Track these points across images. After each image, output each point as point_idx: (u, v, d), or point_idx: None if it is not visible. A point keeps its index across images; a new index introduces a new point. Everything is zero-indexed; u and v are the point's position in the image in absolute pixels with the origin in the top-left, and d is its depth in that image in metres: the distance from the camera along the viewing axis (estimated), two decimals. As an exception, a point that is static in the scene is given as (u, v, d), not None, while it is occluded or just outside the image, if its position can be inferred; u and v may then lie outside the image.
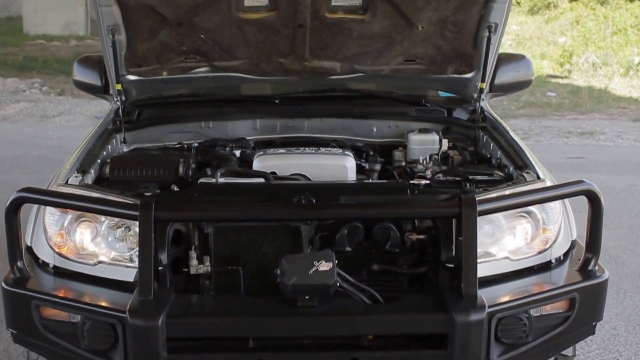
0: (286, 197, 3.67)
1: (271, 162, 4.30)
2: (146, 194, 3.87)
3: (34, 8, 23.61)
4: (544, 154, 9.20)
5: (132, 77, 4.86)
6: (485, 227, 3.73)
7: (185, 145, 4.76)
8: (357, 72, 4.92)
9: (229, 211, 3.57)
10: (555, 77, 17.45)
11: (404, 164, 4.77)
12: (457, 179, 4.18)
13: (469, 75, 4.87)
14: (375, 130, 5.04)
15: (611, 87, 16.31)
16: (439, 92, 5.34)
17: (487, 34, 4.54)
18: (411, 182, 4.07)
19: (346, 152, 4.41)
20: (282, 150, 4.45)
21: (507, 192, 3.83)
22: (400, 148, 4.89)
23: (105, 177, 4.30)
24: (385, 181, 4.26)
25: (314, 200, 3.65)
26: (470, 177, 4.16)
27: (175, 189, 4.07)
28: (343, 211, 3.61)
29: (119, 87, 4.73)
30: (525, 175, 4.08)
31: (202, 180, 4.05)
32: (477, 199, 3.48)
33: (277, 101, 5.08)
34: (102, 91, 5.18)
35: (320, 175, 4.22)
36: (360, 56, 4.82)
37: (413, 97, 5.18)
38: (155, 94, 5.13)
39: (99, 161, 4.35)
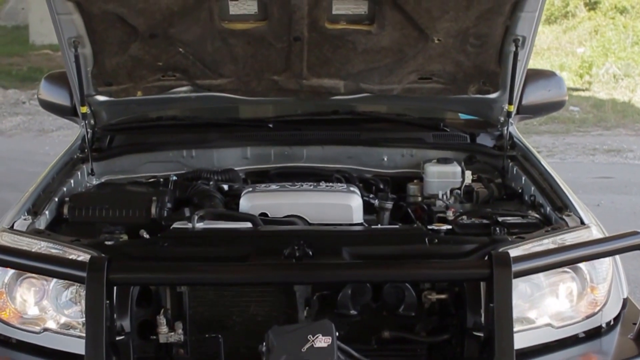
0: (276, 247, 3.02)
1: (261, 201, 3.60)
2: (107, 242, 3.18)
3: (40, 18, 22.85)
4: (569, 173, 8.51)
5: (101, 98, 4.18)
6: (521, 286, 3.05)
7: (162, 179, 4.06)
8: (363, 91, 4.22)
9: (201, 273, 2.86)
10: (576, 89, 16.66)
11: (420, 199, 4.06)
12: (485, 221, 3.46)
13: (493, 96, 4.15)
14: (386, 159, 4.33)
15: (635, 100, 15.54)
16: (460, 115, 4.61)
17: (514, 48, 3.83)
18: (430, 227, 3.36)
19: (351, 188, 3.71)
20: (274, 187, 3.75)
21: (546, 241, 3.14)
22: (415, 181, 4.19)
23: (65, 218, 3.61)
24: (398, 227, 3.55)
25: (310, 252, 2.97)
26: (500, 219, 3.45)
27: (145, 234, 3.38)
28: (345, 273, 2.91)
29: (84, 109, 4.03)
30: (566, 218, 3.36)
31: (176, 225, 3.35)
32: (511, 255, 2.77)
33: (270, 125, 4.38)
34: (70, 113, 4.45)
35: (320, 217, 3.56)
36: (367, 73, 4.11)
37: (430, 120, 4.47)
38: (129, 118, 4.43)
39: (56, 199, 3.65)
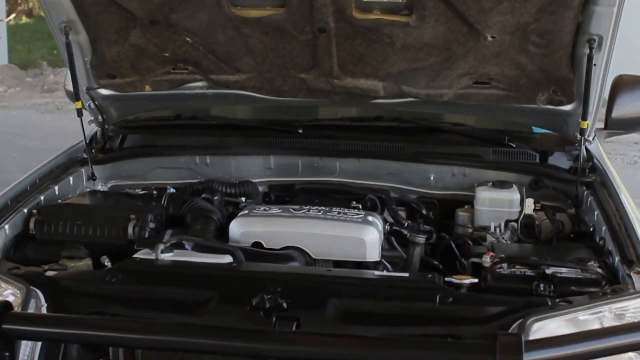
0: (246, 293, 2.41)
1: (254, 228, 2.98)
2: (48, 272, 2.62)
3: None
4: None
5: (105, 92, 3.64)
6: None
7: (155, 192, 3.47)
8: (406, 95, 3.50)
9: (122, 331, 2.23)
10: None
11: (470, 230, 3.32)
12: (529, 272, 2.70)
13: (568, 108, 3.35)
14: (432, 178, 3.59)
15: None
16: (533, 128, 3.81)
17: (588, 50, 3.02)
18: (449, 279, 2.62)
19: (369, 218, 3.02)
20: (275, 210, 3.08)
21: (599, 310, 2.35)
22: (467, 207, 3.45)
23: (31, 234, 3.09)
24: (407, 276, 2.80)
25: (285, 304, 2.38)
26: (550, 270, 2.68)
27: (107, 262, 2.81)
28: (299, 349, 2.18)
29: (78, 104, 3.49)
30: (634, 277, 2.56)
31: (138, 254, 2.76)
32: (523, 340, 2.01)
33: (300, 131, 3.72)
34: None
35: (326, 251, 2.94)
36: (410, 75, 3.40)
37: (492, 132, 3.70)
38: (145, 115, 3.88)
39: (25, 210, 3.13)
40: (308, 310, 2.40)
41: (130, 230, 3.03)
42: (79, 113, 3.51)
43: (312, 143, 3.69)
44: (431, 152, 3.62)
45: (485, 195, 3.34)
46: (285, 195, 3.63)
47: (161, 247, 2.70)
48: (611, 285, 2.59)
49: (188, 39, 3.36)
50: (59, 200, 3.36)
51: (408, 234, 3.14)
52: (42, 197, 3.27)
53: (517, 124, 3.76)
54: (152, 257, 2.69)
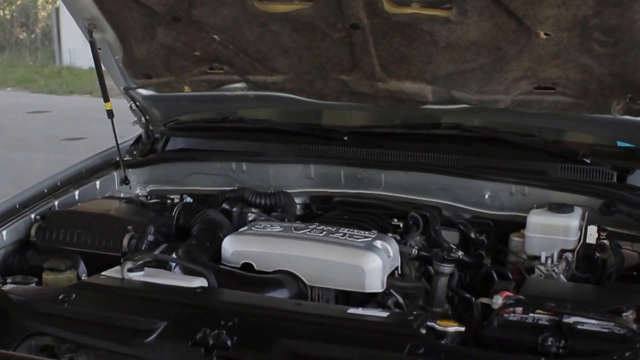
0: (196, 326, 2.12)
1: (246, 248, 2.67)
2: (6, 286, 2.45)
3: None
4: None
5: (145, 92, 3.47)
6: None
7: (170, 200, 3.22)
8: (458, 101, 3.08)
9: None
10: None
11: (525, 258, 2.85)
12: (544, 322, 2.22)
13: None
14: (488, 196, 3.12)
15: None
16: (617, 142, 3.25)
17: None
18: (432, 324, 2.18)
19: (377, 242, 2.62)
20: (278, 228, 2.75)
21: None
22: (522, 231, 2.94)
23: (32, 241, 2.95)
24: (383, 317, 2.33)
25: (230, 342, 2.06)
26: (570, 320, 2.18)
27: (84, 277, 2.61)
28: None
29: (108, 106, 3.31)
30: None
31: (106, 272, 2.52)
32: None
33: (345, 138, 3.36)
34: None
35: (321, 277, 2.60)
36: (459, 78, 2.98)
37: (565, 146, 3.18)
38: (193, 117, 3.66)
39: (32, 216, 2.99)
40: (253, 351, 2.07)
41: (125, 242, 2.82)
42: (109, 114, 3.33)
43: (357, 152, 3.32)
44: (487, 167, 3.15)
45: (536, 220, 2.85)
46: (327, 208, 3.29)
47: (128, 265, 2.45)
48: None
49: (215, 36, 3.12)
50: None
51: (434, 263, 2.72)
52: (56, 202, 3.11)
53: (599, 137, 3.21)
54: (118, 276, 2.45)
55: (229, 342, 2.07)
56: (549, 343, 2.10)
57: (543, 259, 2.81)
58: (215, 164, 3.45)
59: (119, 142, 3.43)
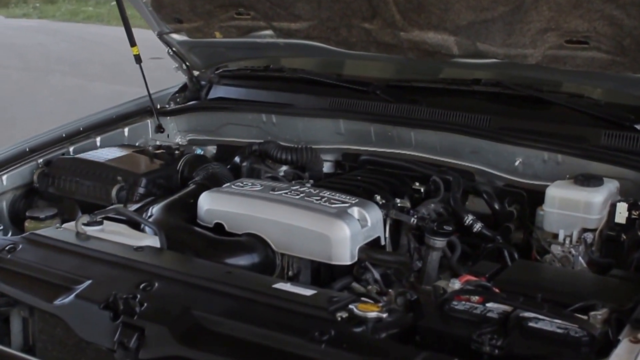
0: (110, 289, 2.01)
1: (219, 207, 2.50)
2: None
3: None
4: None
5: (179, 37, 3.37)
6: None
7: (177, 151, 3.10)
8: (483, 54, 2.74)
9: None
10: None
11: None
12: (492, 314, 1.92)
13: None
14: (519, 163, 2.77)
15: None
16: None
17: None
18: (353, 307, 1.91)
19: (351, 210, 2.38)
20: (257, 187, 2.56)
21: None
22: None
23: (35, 187, 2.94)
24: (305, 296, 2.01)
25: (138, 309, 1.94)
26: (527, 315, 1.87)
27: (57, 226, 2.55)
28: None
29: (135, 50, 3.23)
30: (624, 344, 1.71)
31: (66, 225, 2.43)
32: None
33: (378, 92, 3.09)
34: None
35: (288, 244, 2.39)
36: (482, 28, 2.65)
37: (614, 109, 2.76)
38: (238, 66, 3.52)
39: (40, 161, 2.97)
40: (160, 321, 1.92)
41: (113, 193, 2.74)
42: (137, 59, 3.25)
43: (388, 108, 3.05)
44: (520, 129, 2.79)
45: (554, 193, 2.50)
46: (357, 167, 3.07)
47: (84, 218, 2.35)
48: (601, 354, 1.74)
49: None
50: None
51: (425, 235, 2.44)
52: (71, 148, 3.08)
53: None
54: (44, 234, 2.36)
55: (137, 309, 1.94)
56: (483, 340, 1.80)
57: (561, 238, 2.47)
58: (247, 115, 3.30)
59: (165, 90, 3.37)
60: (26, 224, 2.66)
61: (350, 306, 1.88)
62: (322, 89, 3.22)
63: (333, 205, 2.38)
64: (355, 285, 2.38)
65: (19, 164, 2.93)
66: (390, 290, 2.32)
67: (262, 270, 2.35)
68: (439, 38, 2.76)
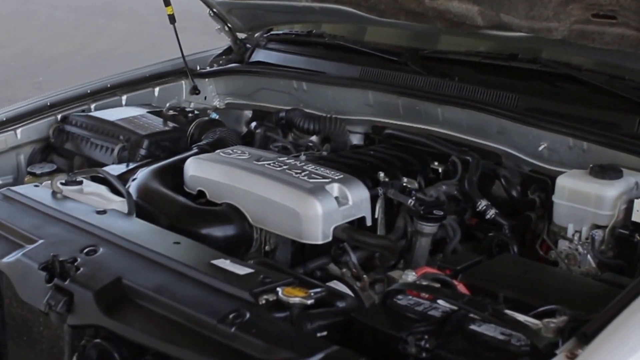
0: (53, 250, 1.96)
1: (202, 174, 2.40)
2: None
3: None
4: None
5: None
6: None
7: (191, 113, 3.00)
8: (507, 26, 2.50)
9: None
10: None
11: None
12: (435, 313, 1.74)
13: None
14: (543, 148, 2.52)
15: None
16: None
17: None
18: (279, 291, 1.76)
19: (329, 187, 2.22)
20: (243, 156, 2.43)
21: None
22: None
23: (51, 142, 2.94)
24: (236, 275, 1.84)
25: (73, 273, 1.89)
26: (477, 317, 1.68)
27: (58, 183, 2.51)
28: None
29: (169, 10, 3.16)
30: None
31: (47, 182, 2.39)
32: None
33: (409, 63, 2.90)
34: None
35: (262, 218, 2.26)
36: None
37: None
38: (282, 30, 3.40)
39: (59, 117, 2.96)
40: (89, 287, 1.84)
41: (115, 152, 2.69)
42: (171, 19, 3.17)
43: (416, 80, 2.85)
44: (549, 111, 2.53)
45: (564, 184, 2.26)
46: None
47: (61, 177, 2.31)
48: None
49: None
50: None
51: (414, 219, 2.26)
52: (93, 105, 3.05)
53: None
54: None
55: (71, 273, 1.87)
56: (410, 343, 1.62)
57: (570, 233, 2.23)
58: (279, 80, 3.18)
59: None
60: (25, 179, 2.65)
61: (278, 289, 1.74)
62: (355, 57, 3.06)
63: (311, 180, 2.23)
64: (332, 266, 2.25)
65: (35, 118, 2.92)
66: (365, 275, 2.17)
67: (238, 243, 2.24)
68: (463, 7, 2.54)
